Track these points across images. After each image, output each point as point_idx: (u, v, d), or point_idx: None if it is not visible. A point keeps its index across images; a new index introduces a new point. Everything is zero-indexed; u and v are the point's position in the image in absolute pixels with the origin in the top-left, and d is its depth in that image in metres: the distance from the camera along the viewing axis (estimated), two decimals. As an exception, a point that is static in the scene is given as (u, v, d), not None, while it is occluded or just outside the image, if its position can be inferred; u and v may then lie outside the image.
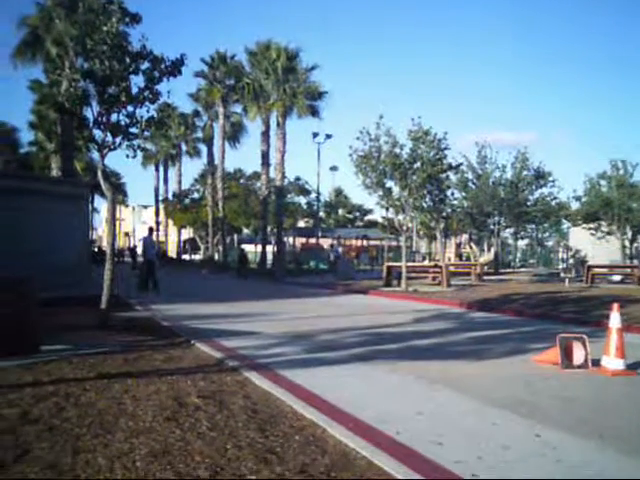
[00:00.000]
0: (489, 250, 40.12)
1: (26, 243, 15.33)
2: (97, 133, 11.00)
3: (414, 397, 6.45)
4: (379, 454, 4.45)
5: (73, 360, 7.52)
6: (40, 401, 5.57)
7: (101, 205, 65.77)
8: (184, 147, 56.11)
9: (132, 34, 11.06)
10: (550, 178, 36.95)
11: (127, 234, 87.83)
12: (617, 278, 26.82)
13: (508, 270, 40.06)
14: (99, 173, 11.23)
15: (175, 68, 11.01)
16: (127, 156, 11.18)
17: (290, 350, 9.21)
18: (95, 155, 37.13)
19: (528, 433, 5.20)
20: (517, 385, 7.16)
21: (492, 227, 38.29)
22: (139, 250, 52.46)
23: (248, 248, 43.79)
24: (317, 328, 11.67)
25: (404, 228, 23.82)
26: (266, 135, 41.40)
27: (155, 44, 10.83)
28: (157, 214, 61.98)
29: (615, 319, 7.91)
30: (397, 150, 21.71)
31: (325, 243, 49.73)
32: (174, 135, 52.84)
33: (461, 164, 32.40)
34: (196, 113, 50.47)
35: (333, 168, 47.50)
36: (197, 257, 59.03)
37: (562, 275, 27.17)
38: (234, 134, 47.90)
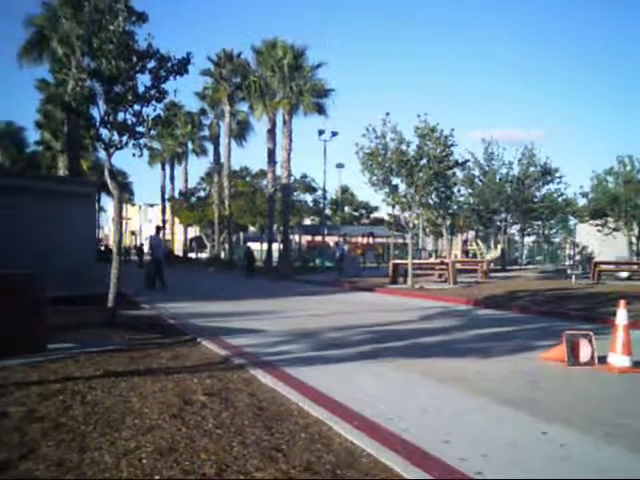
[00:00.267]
0: (496, 247, 40.01)
1: (32, 242, 15.36)
2: (104, 132, 11.01)
3: (420, 394, 6.45)
4: (385, 452, 4.44)
5: (79, 358, 7.54)
6: (46, 399, 5.58)
7: (108, 204, 65.97)
8: (190, 145, 56.18)
9: (138, 33, 11.10)
10: (557, 174, 36.84)
11: (133, 233, 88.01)
12: (624, 275, 26.67)
13: (515, 267, 39.94)
14: (106, 172, 11.25)
15: (182, 67, 11.01)
16: (134, 155, 11.18)
17: (296, 348, 9.22)
18: (102, 154, 37.36)
19: (534, 430, 5.19)
20: (523, 382, 7.14)
21: (499, 224, 38.19)
22: (146, 249, 52.69)
23: (254, 246, 43.77)
24: (323, 326, 11.68)
25: (410, 225, 23.80)
26: (272, 133, 41.39)
27: (161, 43, 10.83)
28: (163, 213, 62.09)
29: (622, 316, 7.88)
30: (403, 147, 21.70)
31: (331, 241, 49.71)
32: (180, 133, 52.89)
33: (468, 161, 32.31)
34: (202, 111, 50.53)
35: (339, 165, 47.44)
36: (203, 255, 59.15)
37: (569, 272, 27.02)
38: (240, 132, 47.96)
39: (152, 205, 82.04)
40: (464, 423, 5.42)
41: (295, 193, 58.20)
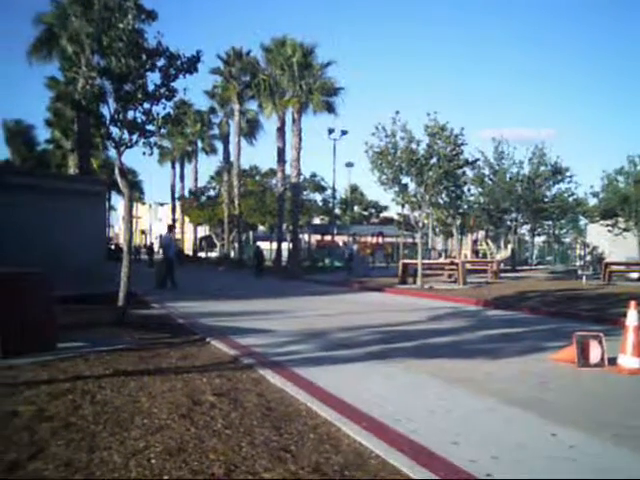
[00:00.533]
0: (506, 247, 39.87)
1: (42, 241, 15.43)
2: (114, 130, 11.04)
3: (429, 395, 6.43)
4: (393, 453, 4.43)
5: (89, 357, 7.56)
6: (56, 398, 5.60)
7: (118, 203, 66.16)
8: (200, 144, 56.32)
9: (148, 31, 11.12)
10: (568, 174, 36.67)
11: (144, 232, 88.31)
12: (635, 275, 26.51)
13: (525, 267, 39.82)
14: (116, 170, 11.28)
15: (191, 65, 11.02)
16: (144, 153, 11.21)
17: (305, 348, 9.22)
18: (112, 153, 37.41)
19: (544, 432, 5.16)
20: (533, 384, 7.11)
21: (509, 223, 38.05)
22: (157, 247, 52.84)
23: (263, 245, 43.87)
24: (332, 326, 11.67)
25: (420, 225, 23.75)
26: (282, 132, 41.42)
27: (170, 40, 10.87)
28: (173, 211, 62.26)
29: (632, 317, 7.83)
30: (413, 146, 21.64)
31: (341, 240, 49.68)
32: (190, 132, 53.02)
33: (478, 160, 32.20)
34: (212, 110, 50.56)
35: (349, 164, 47.28)
36: (213, 254, 59.25)
37: (579, 272, 26.89)
38: (250, 131, 48.01)
39: (162, 204, 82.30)
40: (473, 424, 5.40)
41: (305, 192, 58.17)
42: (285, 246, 43.98)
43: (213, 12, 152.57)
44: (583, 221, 45.07)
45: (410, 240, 54.93)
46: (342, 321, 12.54)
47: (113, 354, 7.84)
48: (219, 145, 53.84)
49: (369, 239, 61.15)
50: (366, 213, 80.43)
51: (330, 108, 40.22)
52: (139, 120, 10.94)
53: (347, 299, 18.88)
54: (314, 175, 63.71)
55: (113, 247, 47.29)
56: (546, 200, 37.06)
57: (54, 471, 3.91)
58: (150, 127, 11.09)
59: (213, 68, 44.08)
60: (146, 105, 10.89)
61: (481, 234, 49.50)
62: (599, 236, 35.76)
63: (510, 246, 38.76)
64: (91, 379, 6.40)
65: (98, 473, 3.90)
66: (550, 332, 11.52)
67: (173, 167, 60.65)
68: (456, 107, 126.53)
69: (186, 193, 60.14)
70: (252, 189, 54.49)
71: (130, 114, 10.90)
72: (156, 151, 11.96)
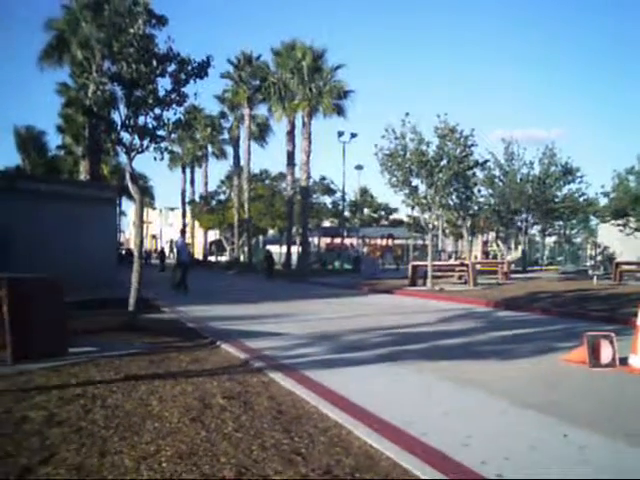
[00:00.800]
0: (516, 248, 39.71)
1: (55, 245, 15.55)
2: (125, 136, 11.08)
3: (440, 397, 6.41)
4: (404, 455, 4.42)
5: (100, 362, 7.59)
6: (67, 403, 5.62)
7: (129, 208, 66.40)
8: (210, 149, 56.37)
9: (158, 36, 11.15)
10: (578, 174, 36.48)
11: (154, 236, 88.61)
12: (646, 275, 26.35)
13: (535, 268, 39.64)
14: (127, 176, 11.32)
15: (201, 70, 11.04)
16: (155, 158, 11.24)
17: (315, 350, 9.21)
18: (122, 158, 37.53)
19: (556, 433, 5.13)
20: (545, 385, 7.08)
21: (519, 224, 37.89)
22: (169, 252, 53.05)
23: (273, 248, 43.88)
24: (342, 328, 11.66)
25: (430, 226, 23.70)
26: (291, 135, 41.50)
27: (180, 45, 10.92)
28: (184, 216, 62.43)
29: (643, 317, 7.78)
30: (423, 147, 21.61)
31: (350, 243, 49.65)
32: (200, 137, 53.12)
33: (488, 161, 32.11)
34: (222, 114, 50.68)
35: (358, 167, 47.12)
36: (223, 258, 59.33)
37: (590, 272, 26.75)
38: (260, 134, 48.12)
39: (173, 209, 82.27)
40: (485, 426, 5.37)
41: (314, 195, 58.21)
42: (295, 249, 44.01)
43: (223, 15, 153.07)
44: (594, 221, 44.86)
45: (420, 242, 54.84)
46: (352, 323, 12.53)
47: (124, 359, 7.86)
48: (229, 149, 54.02)
49: (379, 241, 61.09)
50: (376, 215, 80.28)
51: (340, 111, 40.27)
52: (150, 125, 10.98)
53: (357, 301, 18.86)
54: (324, 178, 63.73)
55: (124, 252, 47.49)
56: (557, 200, 36.88)
57: (65, 475, 3.92)
58: (161, 132, 11.13)
59: (223, 73, 44.25)
60: (157, 110, 10.93)
61: (491, 235, 49.35)
62: (610, 236, 35.58)
63: (520, 247, 38.60)
64: (102, 384, 6.42)
65: (109, 477, 3.91)
66: (561, 333, 11.47)
67: (183, 172, 60.77)
68: (467, 108, 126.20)
69: (196, 197, 60.28)
70: (262, 193, 54.57)
71: (141, 119, 10.94)
72: (166, 156, 12.01)
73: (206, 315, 13.66)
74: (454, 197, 24.57)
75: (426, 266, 23.59)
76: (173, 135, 11.78)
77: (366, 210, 77.67)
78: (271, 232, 62.18)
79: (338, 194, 60.47)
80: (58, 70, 30.59)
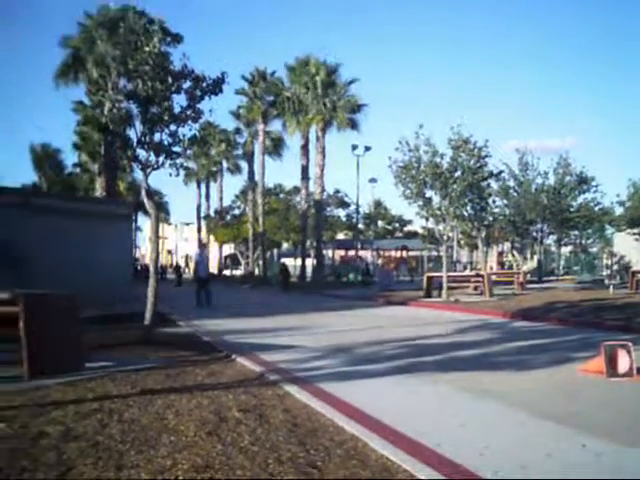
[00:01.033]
0: (532, 258, 39.46)
1: (71, 262, 15.67)
2: (141, 153, 11.17)
3: (457, 409, 6.37)
4: (422, 468, 4.38)
5: (116, 377, 7.62)
6: (84, 418, 5.65)
7: (144, 223, 66.80)
8: (225, 164, 56.71)
9: (173, 53, 11.28)
10: (593, 183, 36.25)
11: (170, 251, 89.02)
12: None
13: (551, 278, 39.34)
14: (143, 192, 11.41)
15: (216, 86, 11.14)
16: (170, 175, 11.33)
17: (330, 363, 9.20)
18: (138, 174, 37.82)
19: (574, 443, 5.08)
20: (562, 395, 7.02)
21: (535, 234, 37.66)
22: (183, 265, 53.16)
23: (287, 261, 43.95)
24: (357, 340, 11.64)
25: (445, 238, 23.63)
26: (305, 149, 41.70)
27: (193, 61, 11.00)
28: (199, 231, 62.69)
29: (662, 326, 7.71)
30: (437, 159, 21.60)
31: (366, 254, 49.59)
32: (215, 152, 53.48)
33: (502, 171, 31.97)
34: (237, 130, 51.05)
35: (372, 180, 47.10)
36: (238, 272, 59.46)
37: (606, 282, 26.50)
38: (274, 149, 48.35)
39: (188, 224, 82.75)
40: (502, 437, 5.32)
41: (328, 208, 58.34)
42: (309, 262, 44.04)
43: (236, 31, 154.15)
44: (609, 230, 44.56)
45: (434, 253, 54.67)
46: (367, 335, 12.49)
47: (140, 373, 7.89)
48: (244, 164, 54.31)
49: (393, 253, 60.97)
50: (390, 227, 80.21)
51: (354, 125, 40.46)
52: (165, 142, 11.07)
53: (372, 313, 18.81)
54: (338, 191, 63.87)
55: (140, 267, 47.73)
56: (572, 210, 36.64)
57: (82, 490, 3.94)
58: (176, 149, 11.22)
59: (238, 89, 44.53)
60: (172, 127, 11.03)
61: (506, 246, 49.11)
62: (626, 245, 35.30)
63: (536, 257, 38.36)
64: (118, 398, 6.44)
65: (126, 491, 3.93)
66: (578, 343, 11.37)
67: (198, 187, 61.17)
68: (481, 119, 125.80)
69: (211, 212, 60.59)
70: (276, 207, 54.76)
71: (157, 136, 11.04)
72: (182, 172, 12.10)
73: (221, 329, 13.69)
74: (469, 208, 24.51)
75: (441, 277, 23.49)
76: (188, 151, 11.87)
77: (380, 222, 77.63)
78: (285, 245, 62.31)
79: (352, 207, 60.61)
80: (73, 87, 31.00)
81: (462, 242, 50.73)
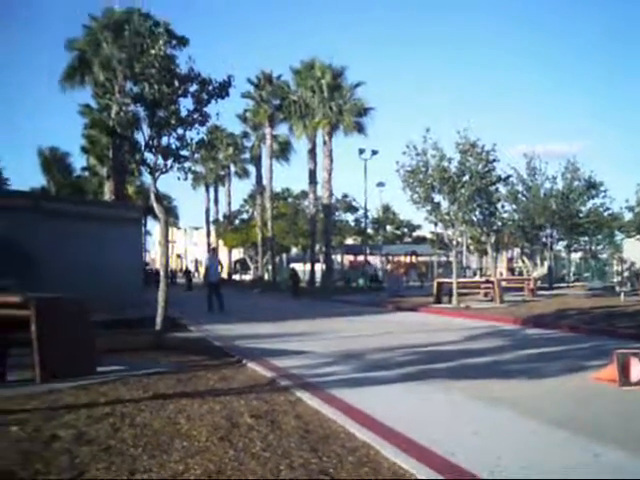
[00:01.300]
0: (542, 264, 39.29)
1: (81, 266, 15.71)
2: (148, 156, 11.20)
3: (469, 417, 6.34)
4: (434, 476, 4.37)
5: (128, 381, 7.64)
6: (96, 422, 5.66)
7: (153, 228, 67.02)
8: (233, 168, 56.82)
9: (178, 56, 11.30)
10: (602, 188, 36.10)
11: (179, 256, 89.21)
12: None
13: (562, 284, 39.17)
14: (152, 196, 11.44)
15: (223, 89, 11.16)
16: (178, 178, 11.36)
17: (341, 369, 9.18)
18: (146, 178, 37.90)
19: (587, 452, 5.04)
20: (575, 404, 6.98)
21: (544, 240, 37.52)
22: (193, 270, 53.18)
23: (296, 266, 43.95)
24: (367, 347, 11.61)
25: (454, 243, 23.56)
26: (313, 153, 41.72)
27: (199, 64, 11.03)
28: (208, 235, 62.82)
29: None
30: (445, 164, 21.55)
31: (366, 260, 49.53)
32: (223, 156, 53.60)
33: (510, 176, 31.83)
34: (244, 134, 51.13)
35: (380, 184, 47.00)
36: (247, 277, 59.54)
37: (617, 289, 26.33)
38: (282, 153, 48.40)
39: (197, 228, 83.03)
40: (515, 446, 5.30)
41: (337, 213, 58.31)
42: (318, 267, 44.02)
43: (242, 33, 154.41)
44: (619, 236, 44.29)
45: (444, 259, 54.56)
46: (377, 342, 12.46)
47: (152, 377, 7.90)
48: (251, 168, 54.38)
49: (402, 258, 60.87)
50: (399, 232, 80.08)
51: (360, 128, 40.46)
52: (173, 146, 11.10)
53: (381, 319, 18.78)
54: (346, 195, 63.81)
55: (150, 271, 47.79)
56: (581, 215, 36.50)
57: (96, 494, 3.94)
58: (184, 152, 11.25)
59: (244, 92, 44.55)
60: (180, 130, 11.05)
61: (516, 251, 48.94)
62: (636, 251, 35.04)
63: (546, 263, 38.20)
64: (130, 402, 6.45)
65: (139, 496, 3.93)
66: (590, 350, 11.30)
67: (207, 191, 61.32)
68: (488, 123, 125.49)
69: (220, 217, 60.69)
70: (284, 211, 54.80)
71: (164, 140, 11.07)
72: (190, 176, 12.13)
73: (232, 334, 13.69)
74: (477, 213, 24.41)
75: (451, 283, 23.40)
76: (196, 155, 11.89)
77: (389, 227, 77.54)
78: (294, 250, 62.32)
79: (360, 211, 60.55)
80: (80, 90, 31.04)
81: (471, 247, 50.66)
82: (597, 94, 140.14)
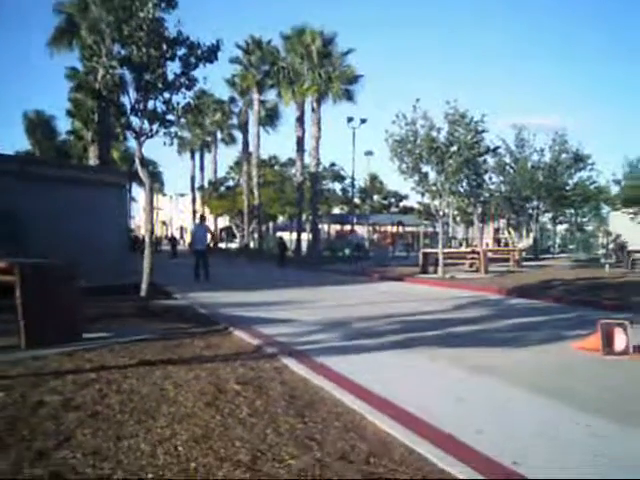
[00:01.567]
0: (528, 235, 39.54)
1: (67, 232, 15.55)
2: (134, 120, 11.09)
3: (454, 384, 6.40)
4: (419, 442, 4.41)
5: (114, 347, 7.61)
6: (82, 388, 5.64)
7: (138, 194, 66.58)
8: (219, 134, 56.38)
9: (167, 19, 11.13)
10: (589, 161, 36.23)
11: (164, 223, 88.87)
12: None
13: (547, 256, 39.46)
14: (137, 160, 11.36)
15: (211, 54, 11.03)
16: (164, 143, 11.28)
17: (327, 337, 9.22)
18: (132, 143, 37.57)
19: (570, 420, 5.12)
20: (558, 372, 7.06)
21: (531, 212, 37.71)
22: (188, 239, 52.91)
23: (283, 235, 43.93)
24: (354, 315, 11.66)
25: (440, 214, 23.60)
26: (301, 121, 41.41)
27: (188, 28, 10.87)
28: (194, 202, 62.55)
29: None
30: (434, 134, 21.48)
31: (351, 229, 49.54)
32: (209, 122, 53.09)
33: (498, 147, 31.86)
34: (232, 100, 50.63)
35: (368, 153, 46.84)
36: (233, 245, 59.45)
37: (602, 261, 26.55)
38: (269, 120, 48.01)
39: (183, 195, 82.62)
40: (500, 413, 5.37)
41: (324, 182, 58.17)
42: (305, 236, 44.00)
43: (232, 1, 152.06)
44: (605, 209, 44.60)
45: (430, 229, 54.73)
46: (364, 310, 12.52)
47: (138, 344, 7.89)
48: (238, 135, 54.01)
49: (389, 228, 60.98)
50: (386, 202, 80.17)
51: (349, 96, 40.15)
52: (159, 110, 10.99)
53: (368, 288, 18.85)
54: (333, 164, 63.73)
55: (134, 238, 47.59)
56: (567, 188, 36.66)
57: (82, 459, 3.94)
58: (170, 117, 11.14)
59: (232, 57, 44.02)
60: (166, 94, 10.93)
61: (502, 222, 49.18)
62: (621, 224, 35.31)
63: (532, 234, 38.44)
64: (116, 369, 6.44)
65: (126, 461, 3.93)
66: (574, 320, 11.42)
67: (192, 158, 60.96)
68: (478, 96, 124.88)
69: (206, 183, 60.35)
70: (271, 179, 54.56)
71: (150, 104, 10.95)
72: (175, 141, 12.03)
73: (218, 302, 13.68)
74: (464, 184, 24.42)
75: (437, 253, 23.50)
76: (182, 120, 11.78)
77: (376, 197, 77.58)
78: (281, 219, 62.23)
79: (348, 180, 60.46)
80: (68, 54, 30.49)
81: (458, 218, 50.77)
82: (590, 72, 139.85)
